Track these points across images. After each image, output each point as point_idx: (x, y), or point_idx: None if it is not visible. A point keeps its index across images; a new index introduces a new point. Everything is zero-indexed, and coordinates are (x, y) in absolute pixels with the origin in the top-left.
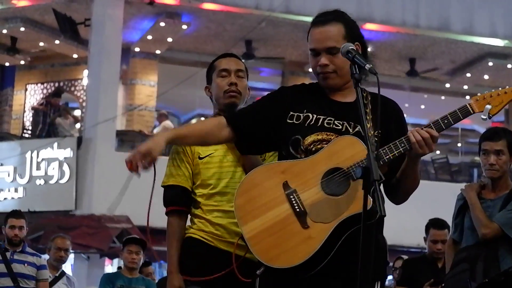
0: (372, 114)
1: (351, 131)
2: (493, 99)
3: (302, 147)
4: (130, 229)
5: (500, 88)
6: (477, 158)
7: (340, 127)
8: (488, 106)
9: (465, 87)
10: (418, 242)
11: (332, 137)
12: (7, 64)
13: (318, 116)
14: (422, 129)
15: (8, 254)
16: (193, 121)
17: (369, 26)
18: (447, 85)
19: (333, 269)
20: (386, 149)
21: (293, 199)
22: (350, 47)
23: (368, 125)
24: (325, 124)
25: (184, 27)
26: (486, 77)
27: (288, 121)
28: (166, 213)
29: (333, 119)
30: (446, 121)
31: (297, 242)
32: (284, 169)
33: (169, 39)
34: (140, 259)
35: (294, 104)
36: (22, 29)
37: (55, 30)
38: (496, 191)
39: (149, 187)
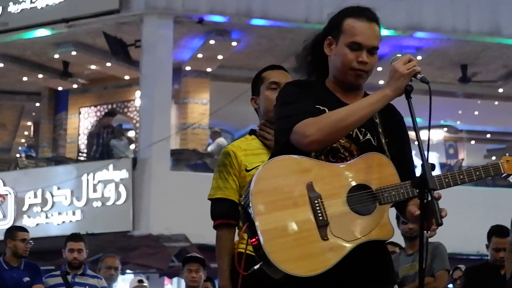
0: (380, 121)
1: (361, 138)
2: None
3: None
4: (189, 247)
5: None
6: None
7: (351, 133)
8: None
9: None
10: (478, 249)
11: (342, 142)
12: (60, 88)
13: None
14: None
15: (69, 277)
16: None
17: (420, 34)
18: (500, 90)
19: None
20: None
21: (317, 205)
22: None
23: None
24: None
25: (234, 44)
26: None
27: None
28: (214, 227)
29: None
30: (477, 173)
31: (312, 253)
32: (309, 168)
33: (220, 57)
34: (201, 277)
35: (315, 98)
36: (74, 53)
37: (107, 53)
38: None
39: (205, 205)
